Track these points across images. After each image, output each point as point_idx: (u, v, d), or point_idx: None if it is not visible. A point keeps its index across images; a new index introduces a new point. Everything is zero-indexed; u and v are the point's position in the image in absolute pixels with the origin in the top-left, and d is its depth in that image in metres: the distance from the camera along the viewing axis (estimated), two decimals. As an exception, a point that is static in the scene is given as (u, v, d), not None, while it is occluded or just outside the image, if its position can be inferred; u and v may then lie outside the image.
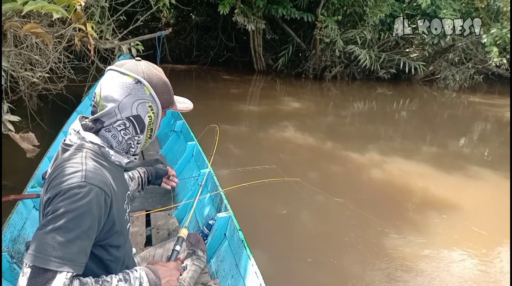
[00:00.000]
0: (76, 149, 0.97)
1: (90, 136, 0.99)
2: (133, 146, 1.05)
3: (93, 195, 0.87)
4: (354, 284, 2.36)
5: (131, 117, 0.99)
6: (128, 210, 1.12)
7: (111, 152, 1.02)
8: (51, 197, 0.87)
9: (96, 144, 0.99)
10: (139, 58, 1.04)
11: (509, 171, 4.28)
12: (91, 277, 0.91)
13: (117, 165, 1.05)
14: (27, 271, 0.80)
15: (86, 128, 1.01)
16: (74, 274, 0.84)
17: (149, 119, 1.02)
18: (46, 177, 0.96)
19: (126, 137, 1.02)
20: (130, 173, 1.45)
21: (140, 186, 1.48)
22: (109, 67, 1.02)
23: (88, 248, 0.89)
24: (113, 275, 0.95)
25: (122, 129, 1.00)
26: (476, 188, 4.03)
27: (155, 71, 1.03)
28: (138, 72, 0.98)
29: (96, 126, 1.00)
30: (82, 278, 0.88)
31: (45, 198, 0.90)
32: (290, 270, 2.44)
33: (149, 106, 1.00)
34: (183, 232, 1.42)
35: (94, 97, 1.01)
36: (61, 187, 0.87)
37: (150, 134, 1.07)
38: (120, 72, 0.98)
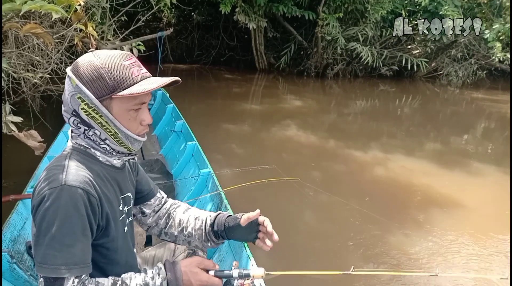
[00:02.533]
0: (65, 151, 0.98)
1: (76, 139, 0.99)
2: (101, 144, 0.98)
3: (76, 196, 0.87)
4: (356, 283, 2.35)
5: (73, 113, 0.95)
6: (125, 213, 1.09)
7: (98, 153, 0.99)
8: (36, 205, 0.88)
9: (81, 145, 0.99)
10: (92, 49, 0.99)
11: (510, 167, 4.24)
12: (110, 277, 0.93)
13: (108, 166, 1.01)
14: (41, 281, 0.87)
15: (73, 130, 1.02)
16: (83, 275, 0.87)
17: (84, 112, 0.92)
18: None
19: (91, 136, 0.97)
20: (200, 214, 1.25)
21: (204, 237, 1.19)
22: None
23: (88, 247, 0.90)
24: (132, 277, 0.95)
25: (83, 130, 0.97)
26: (480, 185, 4.00)
27: (91, 58, 0.92)
28: (72, 65, 0.95)
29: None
30: (99, 279, 0.91)
31: (32, 203, 0.92)
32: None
33: (78, 98, 0.92)
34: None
35: None
36: (43, 192, 0.87)
37: (109, 129, 0.95)
38: None
